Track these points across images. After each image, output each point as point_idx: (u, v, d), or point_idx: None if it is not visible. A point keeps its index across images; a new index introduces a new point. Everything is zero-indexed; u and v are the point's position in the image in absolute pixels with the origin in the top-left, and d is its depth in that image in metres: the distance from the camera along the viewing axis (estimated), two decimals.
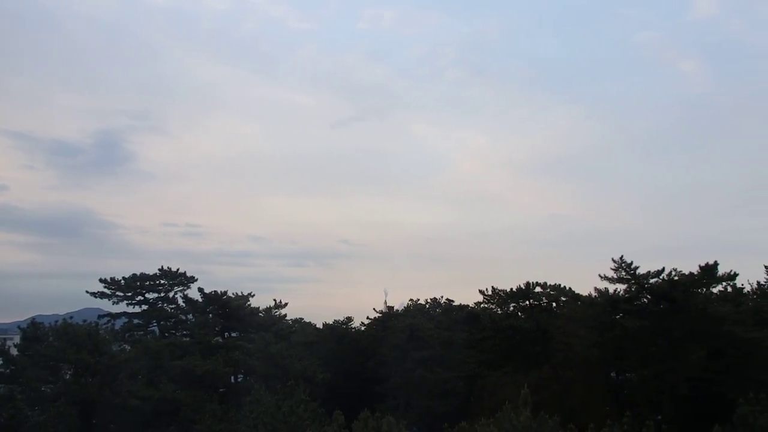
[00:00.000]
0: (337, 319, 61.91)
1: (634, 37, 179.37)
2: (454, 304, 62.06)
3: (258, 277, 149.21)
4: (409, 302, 62.90)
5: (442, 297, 64.19)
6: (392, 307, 63.95)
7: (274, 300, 54.20)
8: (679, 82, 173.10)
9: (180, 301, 52.21)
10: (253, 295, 52.08)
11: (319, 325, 63.34)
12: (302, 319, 67.64)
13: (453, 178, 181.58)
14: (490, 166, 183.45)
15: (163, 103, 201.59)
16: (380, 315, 60.89)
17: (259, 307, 52.99)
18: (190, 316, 52.51)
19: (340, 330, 59.27)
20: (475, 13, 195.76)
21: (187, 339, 49.02)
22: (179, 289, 52.02)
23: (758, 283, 56.12)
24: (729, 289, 44.94)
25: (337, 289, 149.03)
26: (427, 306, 63.08)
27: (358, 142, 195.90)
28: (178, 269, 51.88)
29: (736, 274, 41.43)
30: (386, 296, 72.15)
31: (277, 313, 54.37)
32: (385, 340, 51.04)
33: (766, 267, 58.68)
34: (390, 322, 55.44)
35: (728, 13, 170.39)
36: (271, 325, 51.43)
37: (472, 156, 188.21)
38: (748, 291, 52.09)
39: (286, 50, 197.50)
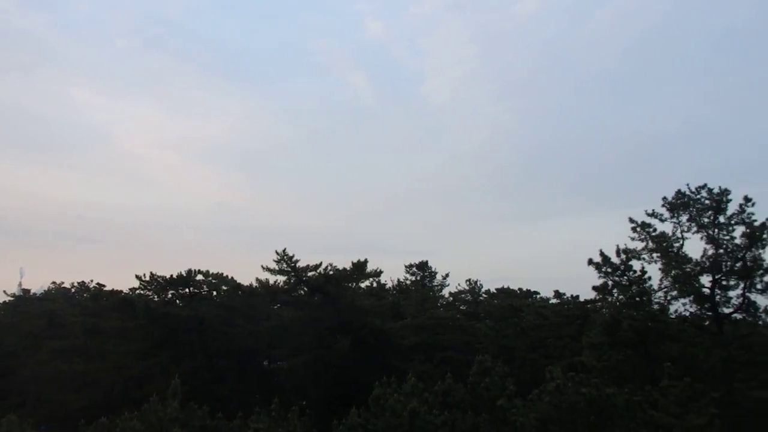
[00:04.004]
0: None
1: (312, 44, 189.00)
2: (105, 289, 57.25)
3: None
4: (51, 285, 56.17)
5: (92, 281, 58.73)
6: (28, 290, 56.51)
7: None
8: (348, 93, 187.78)
9: None
10: None
11: None
12: None
13: (115, 154, 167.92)
14: (158, 146, 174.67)
15: None
16: (12, 298, 53.06)
17: None
18: None
19: None
20: None
21: None
22: None
23: (398, 280, 63.90)
24: (375, 284, 49.80)
25: None
26: (73, 290, 57.10)
27: None
28: None
29: (381, 272, 45.95)
30: (22, 277, 63.28)
31: None
32: (15, 328, 44.49)
33: (405, 266, 67.06)
34: (24, 307, 48.56)
35: (394, 39, 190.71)
36: None
37: (139, 133, 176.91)
38: (389, 287, 58.76)
39: None
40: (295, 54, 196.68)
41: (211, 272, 44.99)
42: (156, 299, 45.64)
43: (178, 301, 45.36)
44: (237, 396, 38.56)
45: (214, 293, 45.67)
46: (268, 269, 42.11)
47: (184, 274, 43.81)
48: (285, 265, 41.76)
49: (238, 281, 45.58)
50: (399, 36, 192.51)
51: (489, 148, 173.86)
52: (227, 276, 45.24)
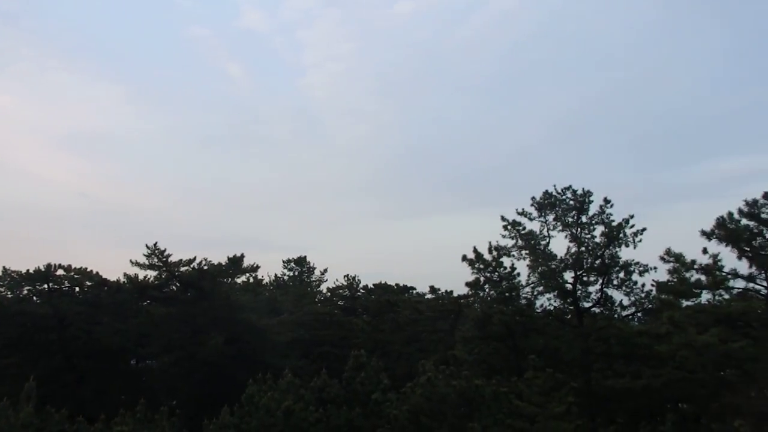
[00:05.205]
0: None
1: (187, 31, 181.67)
2: None
3: None
4: None
5: None
6: None
7: None
8: (225, 83, 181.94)
9: None
10: None
11: None
12: None
13: None
14: (16, 132, 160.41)
15: None
16: None
17: None
18: None
19: None
20: None
21: None
22: None
23: (276, 275, 63.11)
24: (251, 280, 48.90)
25: None
26: None
27: None
28: None
29: (257, 267, 45.16)
30: None
31: None
32: None
33: (283, 262, 66.37)
34: None
35: (273, 30, 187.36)
36: None
37: None
38: (266, 283, 57.93)
39: None
40: (168, 40, 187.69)
41: (73, 267, 42.21)
42: (9, 296, 42.18)
43: (35, 297, 42.20)
44: (100, 398, 36.50)
45: (77, 289, 42.90)
46: (137, 264, 40.20)
47: (43, 269, 40.81)
48: (156, 260, 40.03)
49: (104, 277, 43.09)
50: (278, 27, 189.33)
51: (367, 144, 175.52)
52: (92, 271, 42.63)
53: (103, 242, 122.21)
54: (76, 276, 42.41)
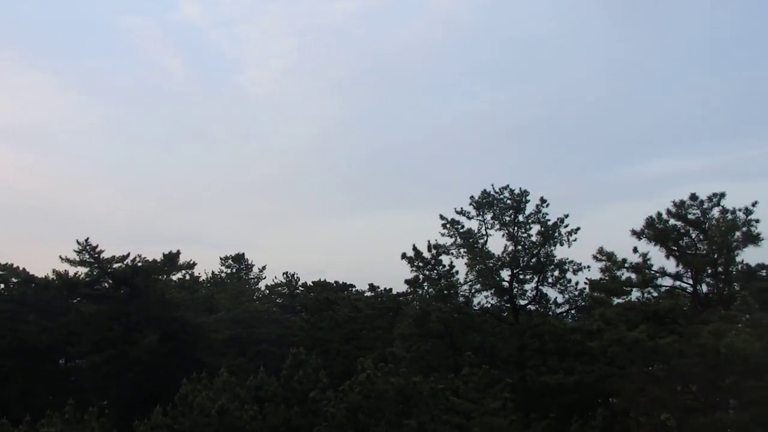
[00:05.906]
0: None
1: (120, 20, 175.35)
2: None
3: None
4: None
5: None
6: None
7: None
8: (161, 76, 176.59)
9: None
10: None
11: None
12: None
13: None
14: None
15: None
16: None
17: None
18: None
19: None
20: None
21: None
22: None
23: (213, 272, 61.93)
24: (187, 277, 47.87)
25: None
26: None
27: None
28: None
29: (194, 264, 44.30)
30: None
31: None
32: None
33: (221, 259, 65.18)
34: None
35: (211, 23, 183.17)
36: None
37: None
38: (203, 280, 56.77)
39: None
40: (100, 30, 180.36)
41: None
42: None
43: None
44: (26, 398, 35.13)
45: (2, 286, 41.15)
46: (67, 260, 38.77)
47: None
48: (87, 256, 38.69)
49: (31, 273, 41.45)
50: (217, 21, 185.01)
51: (308, 142, 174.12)
52: (18, 267, 40.95)
53: (31, 237, 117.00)
54: (1, 272, 40.74)
